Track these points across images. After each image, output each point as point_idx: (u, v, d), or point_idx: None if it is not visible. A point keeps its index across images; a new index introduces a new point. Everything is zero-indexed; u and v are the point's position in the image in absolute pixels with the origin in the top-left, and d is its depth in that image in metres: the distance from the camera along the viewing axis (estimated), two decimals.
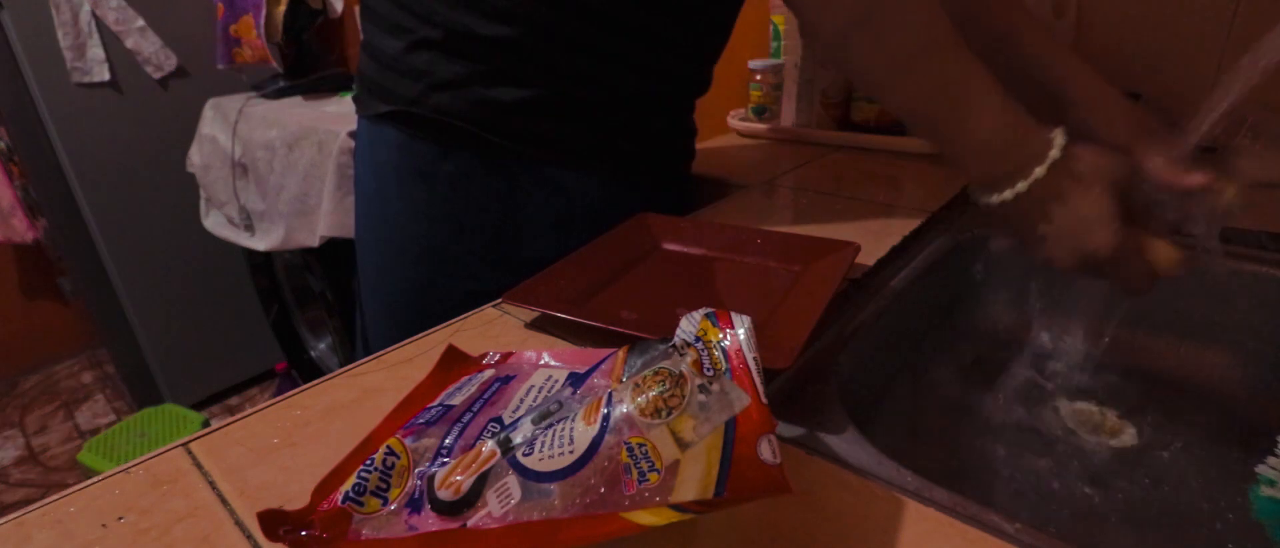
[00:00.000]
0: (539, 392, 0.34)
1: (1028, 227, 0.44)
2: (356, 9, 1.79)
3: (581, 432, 0.26)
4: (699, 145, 0.77)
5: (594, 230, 0.58)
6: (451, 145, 0.60)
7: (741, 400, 0.27)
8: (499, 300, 0.50)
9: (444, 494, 0.26)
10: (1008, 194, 0.43)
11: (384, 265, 0.67)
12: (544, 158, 0.61)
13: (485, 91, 0.58)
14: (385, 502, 0.28)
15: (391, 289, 0.67)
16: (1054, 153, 0.42)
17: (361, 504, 0.27)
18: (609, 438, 0.26)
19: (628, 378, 0.30)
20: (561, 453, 0.26)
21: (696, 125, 0.75)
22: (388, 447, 0.30)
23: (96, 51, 1.61)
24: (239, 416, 0.38)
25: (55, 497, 0.32)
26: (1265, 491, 0.47)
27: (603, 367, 0.33)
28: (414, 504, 0.27)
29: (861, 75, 0.47)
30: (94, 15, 1.58)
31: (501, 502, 0.25)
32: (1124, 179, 0.43)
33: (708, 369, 0.29)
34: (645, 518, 0.23)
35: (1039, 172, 0.42)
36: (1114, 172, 0.42)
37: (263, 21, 1.55)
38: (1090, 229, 0.41)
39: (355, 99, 0.67)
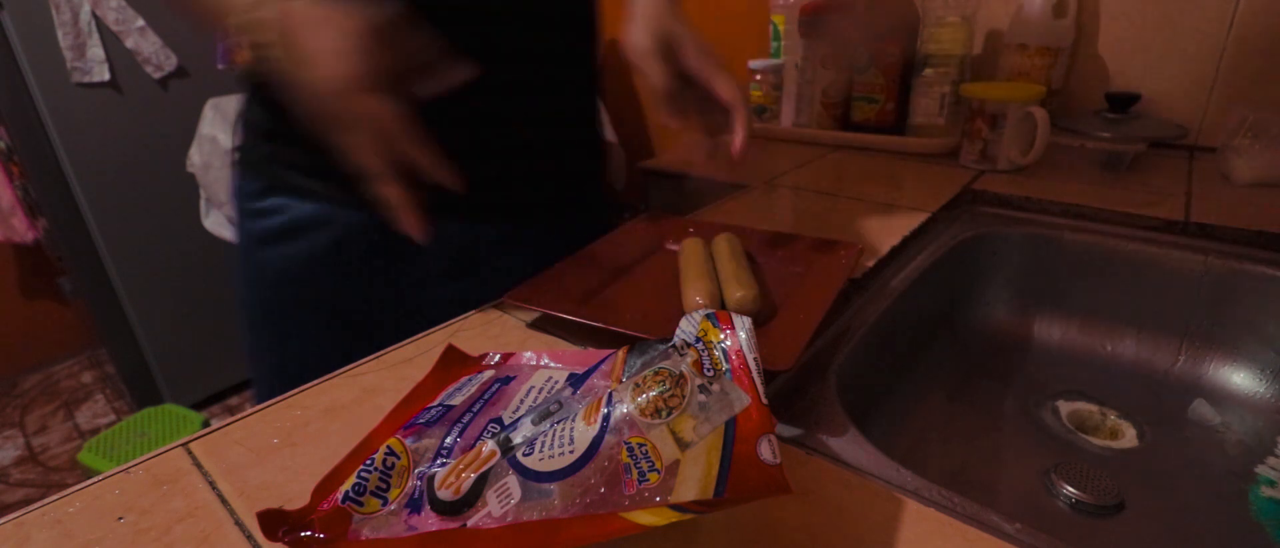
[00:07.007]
0: (539, 392, 0.34)
1: (292, 73, 0.40)
2: None
3: (582, 432, 0.26)
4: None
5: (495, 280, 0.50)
6: (302, 229, 0.53)
7: (741, 401, 0.27)
8: (499, 300, 0.50)
9: (444, 494, 0.26)
10: (244, 26, 0.40)
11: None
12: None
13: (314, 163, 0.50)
14: (385, 502, 0.28)
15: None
16: None
17: (361, 504, 0.27)
18: (609, 438, 0.26)
19: (628, 378, 0.30)
20: (561, 453, 0.26)
21: (597, 139, 0.63)
22: (388, 447, 0.30)
23: (96, 51, 1.60)
24: (239, 416, 0.38)
25: (55, 497, 0.32)
26: (1265, 491, 0.47)
27: (603, 367, 0.33)
28: (414, 504, 0.27)
29: None
30: (94, 15, 1.58)
31: (501, 502, 0.25)
32: (381, 22, 0.39)
33: (708, 369, 0.29)
34: (645, 518, 0.23)
35: None
36: (360, 11, 0.39)
37: None
38: (323, 59, 0.38)
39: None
